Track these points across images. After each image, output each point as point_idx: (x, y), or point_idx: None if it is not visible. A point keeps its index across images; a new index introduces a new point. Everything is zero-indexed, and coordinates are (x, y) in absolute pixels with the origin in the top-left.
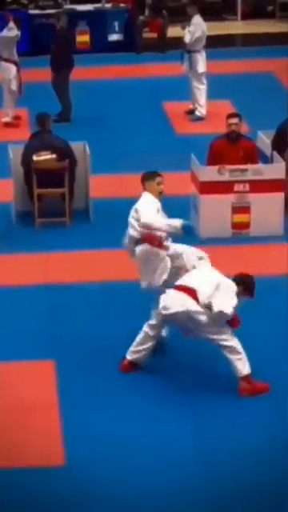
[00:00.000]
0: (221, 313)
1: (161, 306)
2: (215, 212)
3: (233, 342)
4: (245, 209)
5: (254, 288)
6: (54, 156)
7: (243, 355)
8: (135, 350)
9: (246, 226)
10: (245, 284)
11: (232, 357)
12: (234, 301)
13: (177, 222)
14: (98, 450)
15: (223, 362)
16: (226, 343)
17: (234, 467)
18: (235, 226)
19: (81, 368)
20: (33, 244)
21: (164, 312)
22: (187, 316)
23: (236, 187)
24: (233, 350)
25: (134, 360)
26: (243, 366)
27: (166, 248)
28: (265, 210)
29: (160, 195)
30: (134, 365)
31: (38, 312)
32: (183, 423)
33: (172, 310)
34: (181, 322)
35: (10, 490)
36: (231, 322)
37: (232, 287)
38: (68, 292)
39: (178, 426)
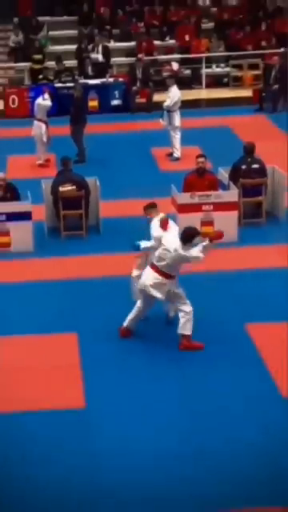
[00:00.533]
0: (195, 257)
1: (139, 282)
2: (189, 225)
3: (188, 307)
4: (210, 223)
5: (187, 234)
6: (74, 187)
7: (191, 319)
8: (129, 319)
9: (211, 235)
10: (182, 238)
11: (183, 319)
12: (191, 251)
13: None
14: (111, 398)
15: (207, 332)
16: (184, 307)
17: (218, 419)
18: (203, 235)
19: (97, 339)
20: (59, 251)
21: (139, 287)
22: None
23: (203, 207)
24: (186, 313)
25: (128, 326)
26: (188, 328)
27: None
28: (224, 223)
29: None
30: (129, 330)
31: (64, 300)
32: (172, 382)
33: (145, 285)
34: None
35: (42, 429)
36: (216, 237)
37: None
38: (85, 285)
39: (169, 383)
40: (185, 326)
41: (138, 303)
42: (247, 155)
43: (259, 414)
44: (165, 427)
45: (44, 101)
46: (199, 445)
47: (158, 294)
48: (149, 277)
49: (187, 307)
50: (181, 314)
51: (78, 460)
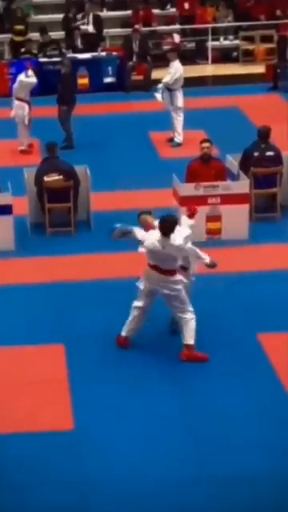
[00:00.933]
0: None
1: (141, 282)
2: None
3: (190, 315)
4: (217, 217)
5: (162, 225)
6: (61, 177)
7: (194, 328)
8: (128, 328)
9: (218, 231)
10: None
11: (186, 327)
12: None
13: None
14: (102, 416)
15: (214, 343)
16: (185, 315)
17: (220, 435)
18: (209, 231)
19: (86, 351)
20: (44, 249)
21: (141, 287)
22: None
23: (209, 200)
24: (188, 322)
25: (127, 335)
26: (191, 338)
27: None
28: (233, 218)
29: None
30: (128, 339)
31: (48, 305)
32: (172, 397)
33: (146, 287)
34: (156, 294)
35: (26, 453)
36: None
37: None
38: (73, 289)
39: (166, 399)
40: (188, 335)
41: (136, 303)
42: (261, 140)
43: (274, 436)
44: (164, 451)
45: (28, 78)
46: (203, 472)
47: (167, 291)
48: (153, 276)
49: (189, 314)
50: (182, 322)
51: (66, 488)
